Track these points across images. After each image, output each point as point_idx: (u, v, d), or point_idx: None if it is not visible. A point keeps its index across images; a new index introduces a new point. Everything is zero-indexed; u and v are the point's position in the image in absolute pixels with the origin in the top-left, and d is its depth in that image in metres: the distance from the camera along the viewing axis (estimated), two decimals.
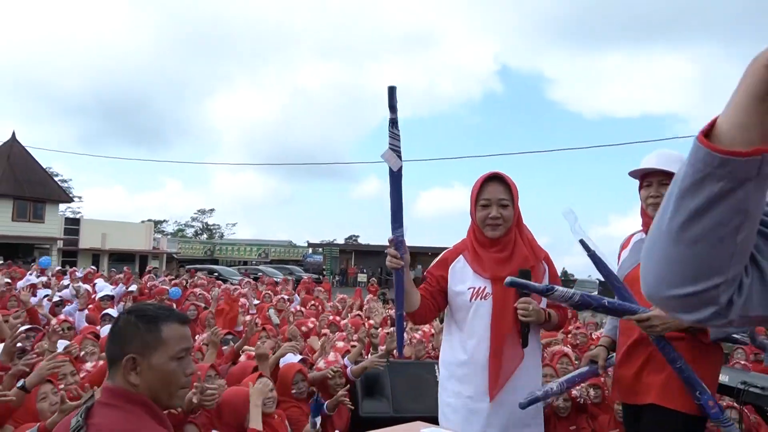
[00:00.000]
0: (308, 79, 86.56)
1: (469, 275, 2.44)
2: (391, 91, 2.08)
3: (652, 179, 2.35)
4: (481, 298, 2.38)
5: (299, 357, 3.83)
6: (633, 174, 2.42)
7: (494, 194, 2.41)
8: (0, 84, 62.46)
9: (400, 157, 2.14)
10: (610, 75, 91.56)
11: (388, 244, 2.28)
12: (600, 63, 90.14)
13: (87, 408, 1.42)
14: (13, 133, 28.38)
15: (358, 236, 56.57)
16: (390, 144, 2.14)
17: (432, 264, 2.59)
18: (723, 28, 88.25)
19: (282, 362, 3.74)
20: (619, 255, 2.58)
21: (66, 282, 9.05)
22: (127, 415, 1.42)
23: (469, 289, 2.41)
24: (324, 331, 5.65)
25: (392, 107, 2.10)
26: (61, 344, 3.84)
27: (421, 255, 35.46)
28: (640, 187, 2.42)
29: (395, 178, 2.18)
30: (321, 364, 3.91)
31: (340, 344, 4.39)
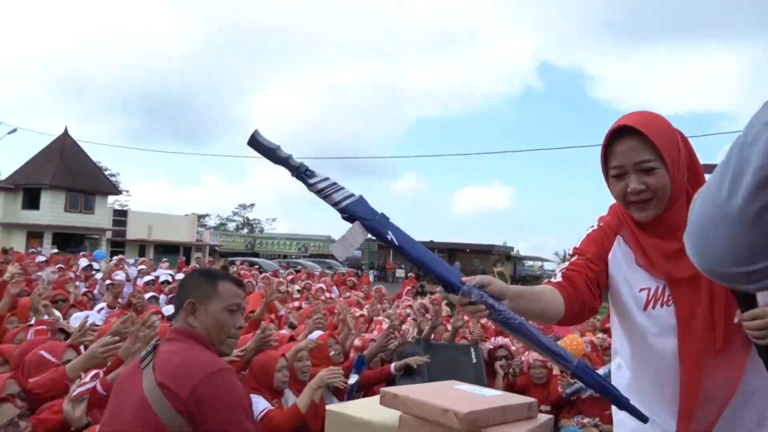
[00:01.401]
0: (344, 77, 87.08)
1: (636, 271, 1.63)
2: (254, 142, 1.45)
3: None
4: (661, 305, 1.58)
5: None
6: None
7: (628, 157, 1.53)
8: (54, 83, 64.96)
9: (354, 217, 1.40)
10: (655, 71, 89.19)
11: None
12: (645, 59, 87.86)
13: (154, 345, 1.72)
14: (66, 129, 29.60)
15: None
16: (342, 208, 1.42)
17: (580, 243, 1.71)
18: None
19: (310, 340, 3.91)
20: None
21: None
22: (185, 344, 1.69)
23: (641, 291, 1.61)
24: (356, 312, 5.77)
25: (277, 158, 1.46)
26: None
27: (459, 251, 35.39)
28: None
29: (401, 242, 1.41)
30: (357, 342, 4.04)
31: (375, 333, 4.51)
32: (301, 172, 1.40)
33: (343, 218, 1.35)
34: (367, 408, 1.99)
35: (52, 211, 26.92)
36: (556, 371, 4.16)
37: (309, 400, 2.93)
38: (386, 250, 37.63)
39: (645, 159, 1.51)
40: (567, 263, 1.67)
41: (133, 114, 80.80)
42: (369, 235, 1.40)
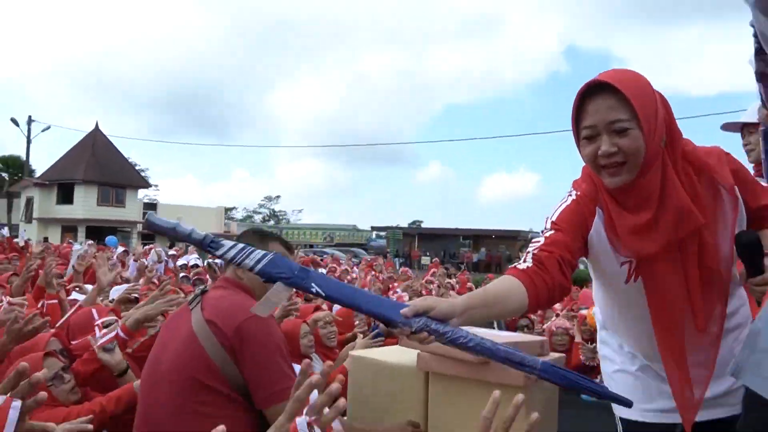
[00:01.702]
0: (369, 66, 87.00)
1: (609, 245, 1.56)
2: (151, 225, 1.36)
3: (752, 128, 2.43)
4: (634, 279, 1.55)
5: None
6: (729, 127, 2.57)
7: (601, 116, 1.42)
8: (84, 80, 66.28)
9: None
10: (683, 53, 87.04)
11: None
12: (673, 40, 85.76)
13: (203, 289, 1.89)
14: (96, 124, 30.30)
15: (421, 221, 56.65)
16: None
17: (557, 215, 1.56)
18: None
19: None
20: None
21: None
22: (231, 291, 1.86)
23: (623, 265, 1.56)
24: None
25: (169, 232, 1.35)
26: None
27: (485, 238, 35.27)
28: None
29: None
30: None
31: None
32: (206, 245, 1.32)
33: (264, 281, 1.29)
34: (388, 352, 2.10)
35: (85, 205, 27.65)
36: (578, 338, 4.22)
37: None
38: (411, 237, 37.72)
39: (618, 119, 1.40)
40: (541, 238, 1.53)
41: (161, 109, 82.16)
42: (293, 290, 1.35)
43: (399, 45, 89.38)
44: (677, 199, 1.42)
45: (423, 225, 52.89)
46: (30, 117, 28.05)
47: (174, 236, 1.34)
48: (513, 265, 1.53)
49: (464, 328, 1.27)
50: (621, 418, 1.74)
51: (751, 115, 2.45)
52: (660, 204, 1.43)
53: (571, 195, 1.59)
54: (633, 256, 1.50)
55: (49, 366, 2.28)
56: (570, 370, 1.24)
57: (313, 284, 1.25)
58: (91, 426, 1.95)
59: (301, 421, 0.98)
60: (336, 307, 4.04)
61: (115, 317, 2.86)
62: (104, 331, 2.50)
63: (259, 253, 1.28)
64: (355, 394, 2.00)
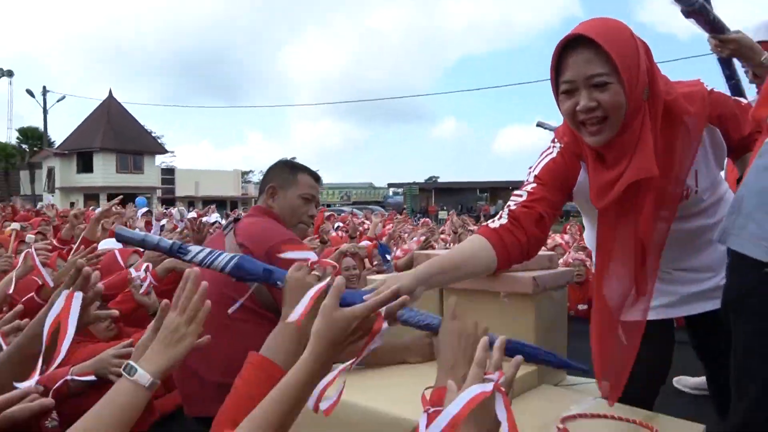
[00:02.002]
0: (380, 22, 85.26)
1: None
2: (121, 239, 1.43)
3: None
4: None
5: None
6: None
7: (580, 70, 1.37)
8: (96, 49, 66.01)
9: None
10: None
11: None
12: None
13: (236, 218, 2.02)
14: (110, 92, 30.41)
15: (437, 177, 56.49)
16: None
17: (540, 168, 1.59)
18: None
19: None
20: None
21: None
22: (262, 218, 1.98)
23: None
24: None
25: None
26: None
27: (502, 190, 35.13)
28: None
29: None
30: (399, 252, 4.28)
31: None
32: (175, 251, 1.38)
33: (235, 280, 1.39)
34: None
35: (104, 172, 28.05)
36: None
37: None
38: (428, 192, 37.74)
39: (598, 73, 1.33)
40: (523, 193, 1.56)
41: (173, 75, 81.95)
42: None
43: None
44: (644, 153, 1.38)
45: (439, 180, 52.86)
46: (45, 87, 28.27)
47: (143, 246, 1.41)
48: (485, 224, 1.59)
49: None
50: (621, 320, 1.84)
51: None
52: (630, 161, 1.39)
53: (555, 146, 1.59)
54: (596, 207, 1.50)
55: None
56: (527, 344, 1.32)
57: (278, 281, 1.34)
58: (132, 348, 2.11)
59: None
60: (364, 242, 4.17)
61: (137, 257, 3.00)
62: (140, 274, 2.62)
63: (226, 255, 1.36)
64: None
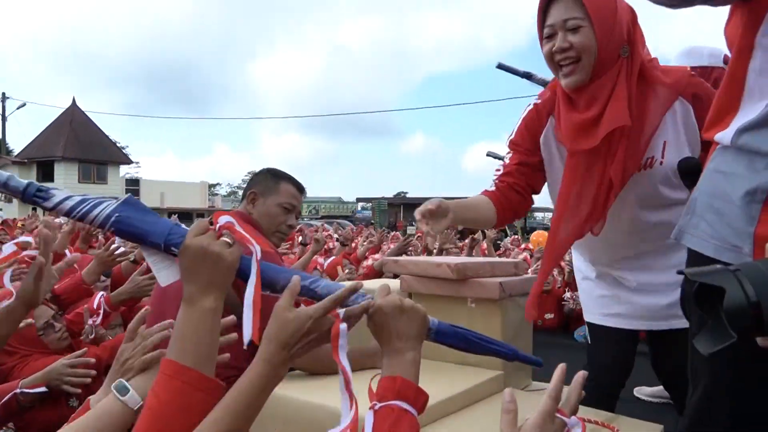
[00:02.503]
0: (349, 36, 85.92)
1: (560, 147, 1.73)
2: None
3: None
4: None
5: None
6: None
7: (558, 15, 1.55)
8: (59, 55, 64.73)
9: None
10: (661, 14, 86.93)
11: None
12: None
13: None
14: (74, 100, 29.74)
15: (406, 192, 56.73)
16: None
17: (514, 133, 1.81)
18: None
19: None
20: None
21: None
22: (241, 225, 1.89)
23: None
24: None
25: None
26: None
27: None
28: None
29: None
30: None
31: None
32: (31, 195, 1.02)
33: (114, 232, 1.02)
34: (371, 283, 2.22)
35: (66, 182, 27.32)
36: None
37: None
38: (397, 207, 37.88)
39: (572, 17, 1.52)
40: (501, 167, 1.81)
41: (138, 84, 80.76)
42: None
43: (379, 14, 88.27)
44: (618, 104, 1.53)
45: (408, 195, 53.07)
46: (4, 94, 27.48)
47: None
48: (484, 189, 1.80)
49: None
50: (587, 322, 1.90)
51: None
52: (605, 105, 1.55)
53: (530, 104, 1.79)
54: (570, 149, 1.64)
55: (41, 314, 2.36)
56: (473, 332, 1.06)
57: (172, 247, 0.99)
58: (92, 360, 2.05)
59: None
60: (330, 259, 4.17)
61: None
62: (94, 320, 2.54)
63: (107, 206, 1.01)
64: None
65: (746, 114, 0.98)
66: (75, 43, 72.11)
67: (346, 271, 3.96)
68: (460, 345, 1.04)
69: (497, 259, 1.99)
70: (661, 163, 1.63)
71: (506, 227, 28.63)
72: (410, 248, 4.13)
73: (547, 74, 2.15)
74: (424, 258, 1.88)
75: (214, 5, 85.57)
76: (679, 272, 0.76)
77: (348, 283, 1.00)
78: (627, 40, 1.55)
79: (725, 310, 0.65)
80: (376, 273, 4.12)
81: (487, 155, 2.74)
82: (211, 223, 1.02)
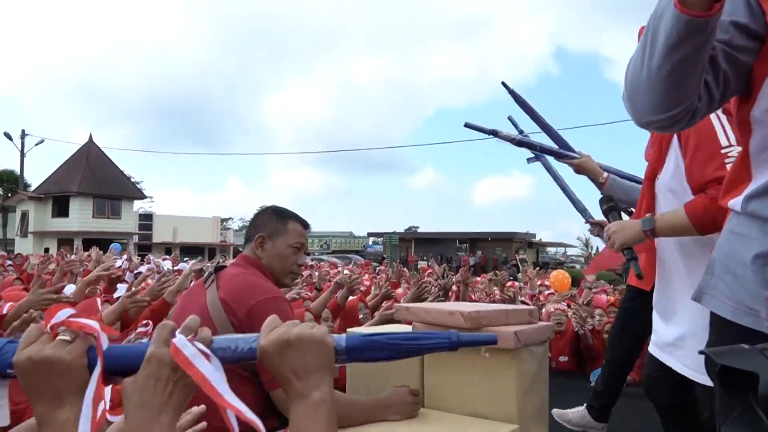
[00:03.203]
0: (360, 72, 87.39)
1: None
2: None
3: None
4: None
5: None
6: None
7: None
8: (77, 92, 66.34)
9: None
10: None
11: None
12: None
13: (216, 266, 1.93)
14: (90, 136, 30.30)
15: (417, 227, 56.70)
16: None
17: None
18: None
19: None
20: None
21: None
22: (247, 270, 1.89)
23: None
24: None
25: None
26: None
27: (481, 241, 35.36)
28: None
29: None
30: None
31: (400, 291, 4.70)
32: None
33: None
34: (382, 328, 2.18)
35: (80, 217, 27.65)
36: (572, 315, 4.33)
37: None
38: (408, 242, 37.78)
39: None
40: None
41: (153, 120, 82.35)
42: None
43: (388, 50, 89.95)
44: None
45: (419, 230, 52.99)
46: (23, 131, 28.06)
47: None
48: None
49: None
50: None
51: None
52: None
53: None
54: None
55: None
56: (397, 334, 0.89)
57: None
58: None
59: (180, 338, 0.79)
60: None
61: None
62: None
63: None
64: (354, 368, 2.08)
65: (756, 183, 1.02)
66: (93, 79, 74.08)
67: (361, 316, 3.90)
68: (385, 355, 0.87)
69: (511, 306, 1.95)
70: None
71: (518, 261, 28.52)
72: (427, 291, 4.05)
73: (512, 131, 2.36)
74: (435, 305, 1.84)
75: (228, 42, 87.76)
76: (701, 352, 0.72)
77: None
78: None
79: (761, 398, 0.60)
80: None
81: (465, 126, 2.67)
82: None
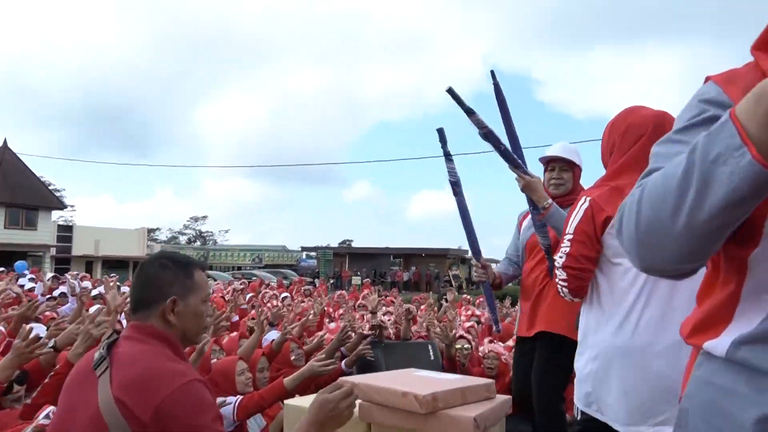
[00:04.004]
0: (298, 83, 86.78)
1: None
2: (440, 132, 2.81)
3: (555, 165, 2.96)
4: None
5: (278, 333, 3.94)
6: (541, 160, 3.04)
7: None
8: None
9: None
10: (599, 74, 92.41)
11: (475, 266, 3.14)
12: (588, 61, 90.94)
13: (109, 343, 1.49)
14: (5, 141, 28.27)
15: (351, 240, 56.54)
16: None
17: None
18: (712, 21, 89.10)
19: (265, 340, 3.87)
20: (520, 224, 3.23)
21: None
22: (149, 347, 1.48)
23: None
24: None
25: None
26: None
27: (415, 257, 35.57)
28: (545, 171, 3.02)
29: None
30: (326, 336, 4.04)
31: (333, 326, 4.48)
32: None
33: None
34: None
35: None
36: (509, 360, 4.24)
37: (298, 383, 2.80)
38: (342, 257, 37.53)
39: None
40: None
41: (77, 125, 78.28)
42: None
43: (328, 63, 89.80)
44: None
45: (353, 244, 52.81)
46: None
47: None
48: None
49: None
50: None
51: (561, 151, 2.97)
52: None
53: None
54: None
55: None
56: None
57: None
58: None
59: None
60: (271, 334, 3.86)
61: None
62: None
63: None
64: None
65: (748, 327, 0.88)
66: (9, 79, 69.43)
67: (293, 357, 3.66)
68: None
69: (467, 381, 1.80)
70: None
71: (450, 277, 28.84)
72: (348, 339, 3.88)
73: (487, 118, 2.45)
74: (387, 383, 1.66)
75: (160, 47, 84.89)
76: None
77: None
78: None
79: None
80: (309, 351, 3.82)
81: (448, 90, 2.67)
82: None
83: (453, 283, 27.79)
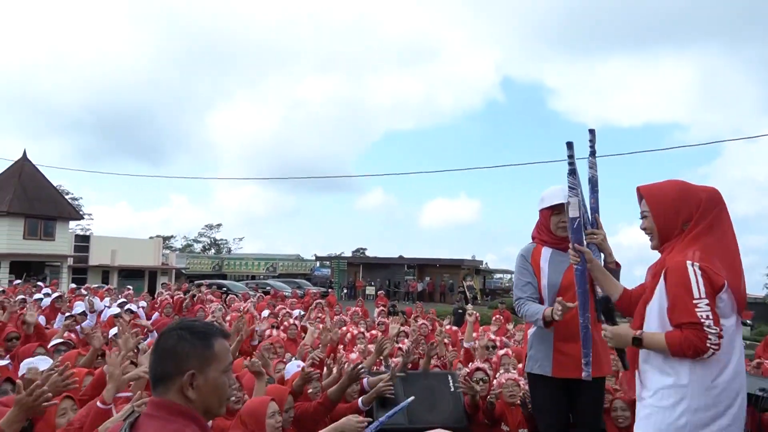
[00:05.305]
0: (309, 92, 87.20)
1: None
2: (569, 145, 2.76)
3: (560, 209, 3.13)
4: None
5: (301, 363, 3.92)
6: (547, 208, 3.20)
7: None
8: (11, 105, 63.42)
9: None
10: (612, 83, 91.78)
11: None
12: (601, 70, 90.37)
13: (131, 422, 1.45)
14: (24, 152, 28.68)
15: (365, 249, 56.59)
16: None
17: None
18: (726, 30, 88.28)
19: (287, 372, 3.85)
20: (536, 265, 3.24)
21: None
22: (172, 426, 1.43)
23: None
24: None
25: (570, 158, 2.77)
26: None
27: (429, 267, 35.44)
28: (551, 215, 3.21)
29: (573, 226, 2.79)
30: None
31: (354, 356, 4.45)
32: None
33: None
34: None
35: (9, 238, 26.01)
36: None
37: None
38: (356, 267, 37.52)
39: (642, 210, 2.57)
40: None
41: (94, 135, 79.34)
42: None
43: (338, 72, 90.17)
44: None
45: (367, 252, 52.82)
46: None
47: None
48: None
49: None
50: None
51: (563, 197, 3.06)
52: None
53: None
54: None
55: None
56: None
57: None
58: None
59: None
60: (293, 364, 3.82)
61: None
62: None
63: None
64: None
65: None
66: (29, 92, 70.52)
67: (310, 390, 3.63)
68: None
69: None
70: None
71: (465, 288, 28.64)
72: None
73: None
74: None
75: (174, 57, 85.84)
76: None
77: None
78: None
79: None
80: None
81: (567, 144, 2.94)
82: None
83: (468, 294, 27.66)
